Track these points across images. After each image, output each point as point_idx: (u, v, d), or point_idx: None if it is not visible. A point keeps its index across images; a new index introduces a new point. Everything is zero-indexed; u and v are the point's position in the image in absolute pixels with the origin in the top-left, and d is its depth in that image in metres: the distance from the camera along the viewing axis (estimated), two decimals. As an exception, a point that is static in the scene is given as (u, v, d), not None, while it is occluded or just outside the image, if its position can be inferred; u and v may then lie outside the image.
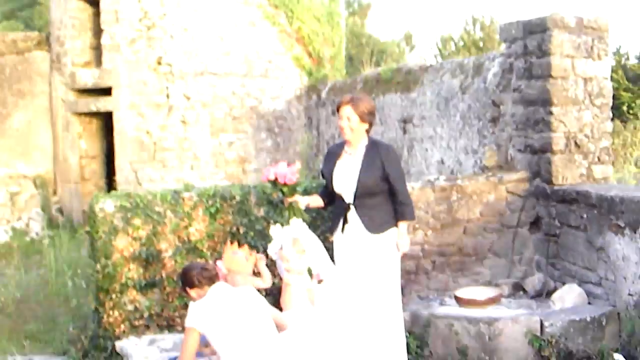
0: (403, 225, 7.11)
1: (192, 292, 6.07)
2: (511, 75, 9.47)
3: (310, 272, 6.97)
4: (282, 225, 6.96)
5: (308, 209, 7.25)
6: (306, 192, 7.81)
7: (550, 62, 8.66)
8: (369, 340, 7.17)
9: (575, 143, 8.76)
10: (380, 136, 13.37)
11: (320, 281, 6.97)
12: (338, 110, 7.17)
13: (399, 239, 7.10)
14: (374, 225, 7.09)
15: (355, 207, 7.12)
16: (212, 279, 6.11)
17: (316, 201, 7.42)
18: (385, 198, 7.08)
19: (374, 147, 7.14)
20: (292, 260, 6.87)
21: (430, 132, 11.92)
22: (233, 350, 5.84)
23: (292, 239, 6.89)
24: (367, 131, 7.18)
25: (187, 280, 6.08)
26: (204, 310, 5.86)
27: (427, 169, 11.97)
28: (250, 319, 5.97)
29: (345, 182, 7.15)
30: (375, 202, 7.08)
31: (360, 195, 7.09)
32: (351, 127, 7.07)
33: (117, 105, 16.39)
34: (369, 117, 7.11)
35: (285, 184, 7.04)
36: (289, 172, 7.04)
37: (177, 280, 6.02)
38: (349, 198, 7.13)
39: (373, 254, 7.11)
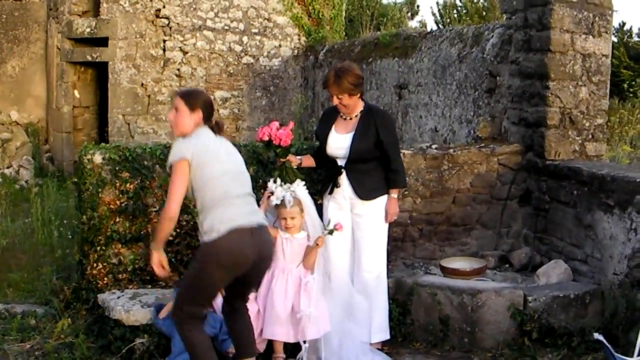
0: (394, 192, 7.12)
1: (185, 118, 5.90)
2: (510, 47, 9.41)
3: (329, 228, 7.05)
4: (284, 182, 7.02)
5: (299, 169, 7.26)
6: (297, 153, 7.76)
7: (549, 36, 8.58)
8: (352, 305, 7.23)
9: (570, 119, 8.70)
10: (375, 101, 13.34)
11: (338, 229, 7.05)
12: (325, 88, 7.27)
13: (389, 206, 7.11)
14: (364, 191, 7.14)
15: (347, 171, 7.16)
16: (207, 119, 6.02)
17: (308, 161, 7.47)
18: (377, 164, 7.08)
19: (369, 113, 7.16)
20: (294, 218, 6.96)
21: (426, 99, 11.87)
22: (216, 186, 5.83)
23: (294, 198, 6.94)
24: (361, 96, 7.15)
25: (193, 99, 5.97)
26: (193, 144, 5.79)
27: (420, 137, 11.93)
28: (234, 162, 6.05)
29: (339, 147, 7.18)
30: (368, 168, 7.11)
31: (353, 160, 7.13)
32: (343, 104, 7.14)
33: (112, 56, 16.30)
34: (356, 89, 7.12)
35: (279, 145, 7.06)
36: (285, 134, 7.05)
37: (184, 98, 5.89)
38: (341, 162, 7.15)
39: (361, 219, 7.18)
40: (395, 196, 7.20)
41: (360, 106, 7.20)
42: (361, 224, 7.21)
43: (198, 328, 5.98)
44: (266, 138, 7.09)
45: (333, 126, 7.30)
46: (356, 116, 7.18)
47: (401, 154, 7.89)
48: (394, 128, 7.22)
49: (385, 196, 7.18)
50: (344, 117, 7.24)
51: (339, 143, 7.22)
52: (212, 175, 5.80)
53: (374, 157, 7.09)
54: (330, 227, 7.02)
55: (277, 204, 6.94)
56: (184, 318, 5.90)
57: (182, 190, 5.72)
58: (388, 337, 7.33)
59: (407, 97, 12.56)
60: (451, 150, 8.85)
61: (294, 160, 7.29)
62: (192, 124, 5.87)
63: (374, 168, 7.14)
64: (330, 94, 7.17)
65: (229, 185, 5.85)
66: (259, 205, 6.64)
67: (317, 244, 6.97)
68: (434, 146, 9.09)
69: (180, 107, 5.88)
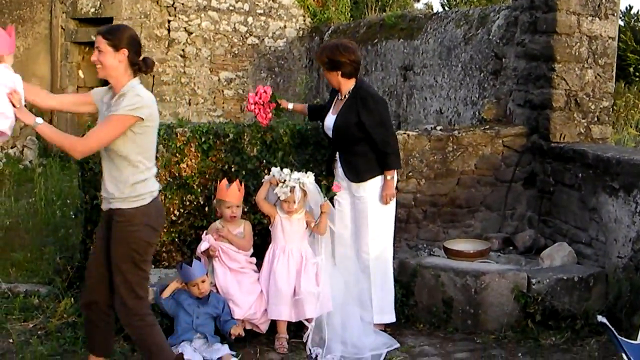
0: (388, 174, 7.11)
1: (109, 59, 5.52)
2: (515, 29, 9.36)
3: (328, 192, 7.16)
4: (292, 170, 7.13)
5: (304, 146, 7.56)
6: (303, 134, 7.85)
7: (555, 18, 8.54)
8: (355, 286, 7.25)
9: (576, 101, 8.67)
10: (380, 82, 13.31)
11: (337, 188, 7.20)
12: None
13: (383, 187, 7.12)
14: (354, 173, 7.22)
15: (339, 153, 7.26)
16: (135, 57, 5.70)
17: (300, 107, 7.95)
18: (369, 147, 7.08)
19: (355, 94, 7.21)
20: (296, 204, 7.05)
21: (431, 81, 11.83)
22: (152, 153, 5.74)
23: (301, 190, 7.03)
24: (348, 77, 7.22)
25: (117, 38, 5.56)
26: (152, 106, 5.62)
27: (425, 118, 11.89)
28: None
29: (328, 127, 7.32)
30: (358, 150, 7.16)
31: (339, 141, 7.25)
32: (326, 76, 7.32)
33: (117, 36, 16.23)
34: (333, 65, 7.18)
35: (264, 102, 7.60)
36: (262, 96, 7.60)
37: (107, 37, 5.66)
38: (333, 142, 7.32)
39: (359, 201, 7.25)
40: (390, 177, 7.16)
41: (350, 86, 7.22)
42: (359, 205, 7.24)
43: (155, 322, 5.88)
44: (254, 108, 7.64)
45: (331, 106, 7.39)
46: (345, 96, 7.22)
47: (405, 135, 7.96)
48: (380, 109, 7.12)
49: (381, 177, 7.18)
50: (340, 97, 7.32)
51: (328, 123, 7.34)
52: (151, 143, 5.71)
53: (358, 138, 7.10)
54: (329, 190, 7.15)
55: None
56: (138, 315, 5.71)
57: (106, 143, 5.47)
58: (392, 320, 7.34)
59: (412, 79, 12.52)
60: (456, 132, 8.82)
61: (284, 103, 7.70)
62: (117, 64, 5.55)
63: (365, 150, 7.14)
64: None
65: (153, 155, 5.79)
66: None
67: (323, 211, 7.07)
68: (438, 128, 9.07)
69: (102, 48, 5.54)
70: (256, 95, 7.64)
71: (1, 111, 5.16)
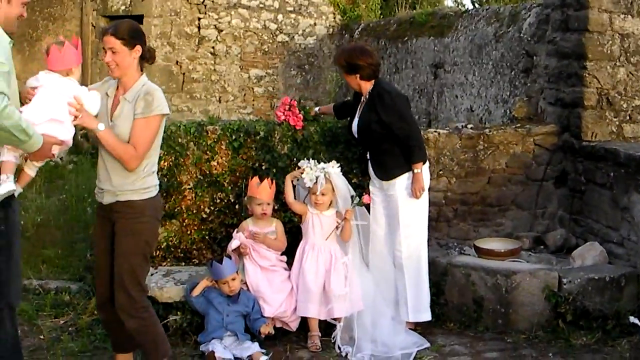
0: (415, 167, 7.10)
1: (126, 58, 5.60)
2: (547, 27, 9.31)
3: (356, 200, 7.19)
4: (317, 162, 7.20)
5: (334, 144, 7.76)
6: (333, 132, 7.86)
7: (587, 16, 8.48)
8: (387, 284, 7.28)
9: (608, 100, 8.61)
10: (410, 80, 13.29)
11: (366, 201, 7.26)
12: None
13: (412, 181, 7.10)
14: (383, 172, 7.27)
15: (369, 153, 7.35)
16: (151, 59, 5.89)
17: (326, 109, 8.11)
18: (394, 143, 7.09)
19: (373, 93, 7.23)
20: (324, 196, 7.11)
21: (462, 79, 11.79)
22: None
23: (326, 179, 7.10)
24: (368, 79, 7.25)
25: (130, 36, 5.61)
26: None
27: (455, 116, 11.85)
28: None
29: (354, 129, 7.39)
30: (385, 148, 7.20)
31: (365, 141, 7.35)
32: (345, 79, 7.42)
33: (147, 33, 16.26)
34: (350, 68, 7.24)
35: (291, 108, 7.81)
36: (294, 120, 7.78)
37: (118, 36, 5.66)
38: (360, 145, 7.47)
39: (391, 199, 7.27)
40: (418, 171, 7.13)
41: (369, 87, 7.25)
42: (390, 203, 7.27)
43: (155, 314, 5.92)
44: (284, 119, 7.82)
45: (357, 109, 7.45)
46: (366, 97, 7.27)
47: (435, 134, 8.01)
48: (397, 104, 7.10)
49: (410, 174, 7.17)
50: (362, 99, 7.37)
51: (353, 127, 7.43)
52: (160, 141, 5.79)
53: (381, 136, 7.13)
54: (358, 199, 7.15)
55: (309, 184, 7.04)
56: (143, 307, 5.75)
57: (152, 145, 5.60)
58: (429, 318, 7.34)
59: (443, 77, 12.48)
60: (487, 130, 8.79)
61: (312, 111, 7.95)
62: (132, 61, 5.64)
63: (391, 147, 7.15)
64: None
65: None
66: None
67: (346, 217, 7.07)
68: (469, 126, 9.04)
69: (117, 48, 5.56)
70: (283, 106, 7.88)
71: (60, 120, 5.22)
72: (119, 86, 5.74)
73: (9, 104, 4.71)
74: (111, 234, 5.68)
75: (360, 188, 7.48)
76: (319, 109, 8.00)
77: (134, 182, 5.55)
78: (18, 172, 5.27)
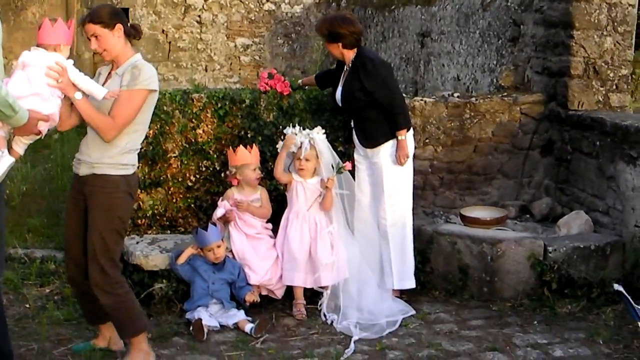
0: (399, 134, 7.09)
1: (111, 40, 5.53)
2: (534, -5, 9.29)
3: (337, 167, 7.16)
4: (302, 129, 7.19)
5: (320, 112, 7.75)
6: (319, 100, 7.86)
7: (575, -16, 8.47)
8: (372, 252, 7.29)
9: (594, 69, 8.60)
10: (397, 49, 13.27)
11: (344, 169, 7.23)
12: None
13: (397, 148, 7.10)
14: (367, 139, 7.28)
15: (353, 121, 7.35)
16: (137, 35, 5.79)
17: (308, 81, 8.04)
18: (378, 111, 7.09)
19: (356, 61, 7.21)
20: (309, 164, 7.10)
21: (449, 47, 11.75)
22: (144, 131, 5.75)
23: (311, 145, 7.08)
24: (350, 47, 7.23)
25: (107, 17, 5.54)
26: (155, 75, 5.65)
27: (442, 85, 11.84)
28: None
29: (339, 99, 7.38)
30: (369, 116, 7.20)
31: (349, 110, 7.34)
32: (331, 51, 7.37)
33: (133, 2, 16.22)
34: (332, 37, 7.22)
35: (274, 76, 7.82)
36: (281, 87, 7.77)
37: (96, 21, 5.61)
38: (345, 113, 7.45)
39: (375, 167, 7.29)
40: (402, 137, 7.12)
41: (352, 56, 7.24)
42: (375, 170, 7.29)
43: (130, 290, 5.87)
44: (267, 87, 7.79)
45: (340, 79, 7.43)
46: (349, 66, 7.26)
47: (422, 102, 8.04)
48: (380, 71, 7.13)
49: (394, 142, 7.16)
50: (346, 68, 7.35)
51: (337, 95, 7.42)
52: (149, 115, 5.73)
53: (365, 103, 7.14)
54: (339, 166, 7.15)
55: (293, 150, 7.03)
56: (118, 283, 5.67)
57: (132, 119, 5.51)
58: (412, 285, 7.35)
59: (430, 46, 12.44)
60: (473, 99, 8.77)
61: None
62: (117, 41, 5.56)
63: (376, 115, 7.16)
64: None
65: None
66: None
67: (327, 186, 7.05)
68: (455, 94, 9.02)
69: (98, 32, 5.51)
70: (262, 80, 7.91)
71: (43, 93, 5.17)
72: (113, 65, 5.70)
73: None
74: (83, 209, 5.62)
75: (346, 156, 7.48)
76: (301, 82, 7.97)
77: (112, 156, 5.49)
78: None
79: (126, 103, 5.44)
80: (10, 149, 5.17)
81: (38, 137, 5.27)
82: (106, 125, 5.40)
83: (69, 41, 5.44)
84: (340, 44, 7.17)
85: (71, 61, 5.40)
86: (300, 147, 7.01)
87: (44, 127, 5.21)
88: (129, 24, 5.70)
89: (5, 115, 4.77)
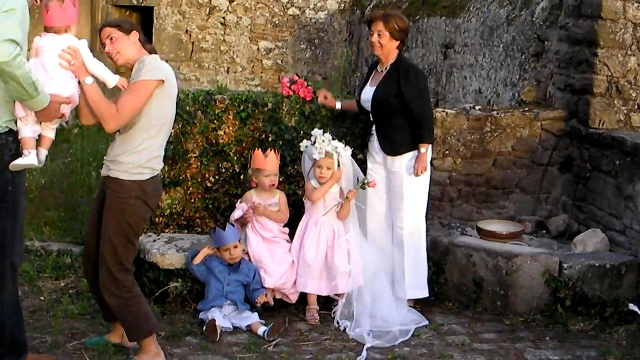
0: (422, 147, 7.09)
1: (125, 43, 5.62)
2: (559, 12, 9.28)
3: (362, 182, 7.14)
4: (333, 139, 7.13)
5: (342, 119, 7.68)
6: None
7: (600, 3, 8.44)
8: (387, 261, 7.30)
9: (617, 88, 8.59)
10: (420, 59, 13.25)
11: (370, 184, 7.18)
12: (370, 26, 7.25)
13: (416, 160, 7.10)
14: (390, 146, 7.25)
15: (376, 126, 7.29)
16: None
17: (349, 105, 7.74)
18: (406, 120, 7.08)
19: (397, 66, 7.19)
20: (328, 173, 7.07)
21: (472, 60, 11.75)
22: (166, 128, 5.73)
23: (327, 152, 7.04)
24: (399, 49, 7.22)
25: (123, 22, 5.77)
26: (169, 71, 5.69)
27: (463, 97, 11.83)
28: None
29: (366, 99, 7.32)
30: (395, 123, 7.18)
31: (377, 112, 7.25)
32: (381, 42, 7.15)
33: (158, 1, 16.28)
34: (399, 35, 7.18)
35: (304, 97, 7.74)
36: (303, 92, 7.75)
37: (113, 25, 5.61)
38: (371, 116, 7.31)
39: (394, 175, 7.28)
40: (424, 151, 7.14)
41: (393, 58, 7.22)
42: (393, 179, 7.28)
43: (141, 292, 5.88)
44: (291, 93, 7.76)
45: (370, 79, 7.41)
46: (386, 68, 7.23)
47: (443, 113, 8.02)
48: (420, 83, 7.18)
49: (414, 153, 7.17)
50: (380, 69, 7.32)
51: (366, 95, 7.35)
52: (168, 113, 5.71)
53: (397, 110, 7.11)
54: (364, 182, 7.13)
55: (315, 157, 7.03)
56: (125, 287, 5.67)
57: (136, 112, 5.48)
58: (425, 295, 7.37)
59: (453, 57, 12.44)
60: (494, 113, 8.77)
61: (331, 102, 7.69)
62: (131, 46, 5.63)
63: (403, 123, 7.15)
64: (372, 30, 7.19)
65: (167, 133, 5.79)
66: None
67: (348, 197, 7.04)
68: (477, 107, 9.01)
69: (115, 34, 5.58)
70: (285, 84, 7.90)
71: (53, 77, 5.21)
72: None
73: (20, 53, 4.73)
74: (102, 208, 5.67)
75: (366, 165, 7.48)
76: (341, 105, 7.76)
77: (128, 154, 5.49)
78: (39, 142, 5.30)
79: (129, 94, 5.47)
80: (41, 137, 5.25)
81: (62, 120, 5.33)
82: (109, 114, 5.41)
83: (76, 21, 5.50)
84: (399, 43, 7.18)
85: (85, 41, 5.44)
86: (325, 156, 6.98)
87: (66, 110, 5.27)
88: (145, 40, 5.80)
89: (28, 94, 4.83)
